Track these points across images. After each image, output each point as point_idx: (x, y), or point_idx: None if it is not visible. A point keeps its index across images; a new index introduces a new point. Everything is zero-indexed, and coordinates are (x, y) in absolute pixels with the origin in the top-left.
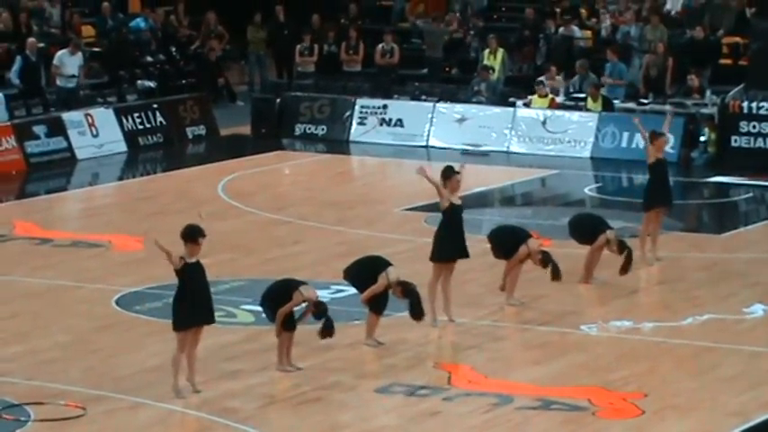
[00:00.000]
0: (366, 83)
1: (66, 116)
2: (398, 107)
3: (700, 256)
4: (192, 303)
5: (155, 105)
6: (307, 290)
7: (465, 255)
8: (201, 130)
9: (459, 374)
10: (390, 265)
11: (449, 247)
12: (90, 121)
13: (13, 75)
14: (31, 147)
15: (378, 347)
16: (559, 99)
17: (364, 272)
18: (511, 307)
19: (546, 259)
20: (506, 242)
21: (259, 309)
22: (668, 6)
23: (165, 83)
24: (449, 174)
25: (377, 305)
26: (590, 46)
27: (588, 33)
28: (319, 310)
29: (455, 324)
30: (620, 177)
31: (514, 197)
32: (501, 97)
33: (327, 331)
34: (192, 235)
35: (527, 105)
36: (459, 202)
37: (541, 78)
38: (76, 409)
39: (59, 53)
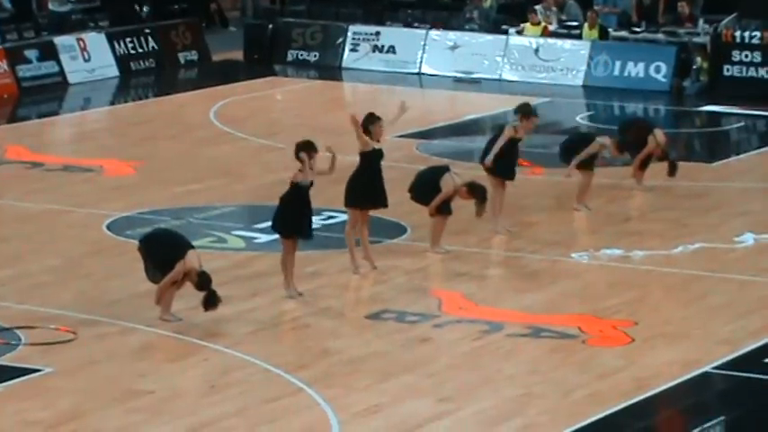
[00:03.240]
0: (359, 9)
1: (58, 40)
2: (391, 34)
3: (691, 185)
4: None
5: (147, 30)
6: (192, 258)
7: (381, 204)
8: (194, 55)
9: (450, 301)
10: (448, 170)
11: (365, 194)
12: (82, 45)
13: None
14: (23, 71)
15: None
16: (552, 27)
17: (428, 184)
18: (504, 234)
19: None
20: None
21: (250, 234)
22: None
23: (157, 8)
24: (373, 120)
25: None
26: None
27: None
28: (202, 281)
29: (445, 252)
30: (611, 106)
31: (506, 125)
32: (494, 25)
33: (211, 305)
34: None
35: (520, 33)
36: (379, 147)
37: (536, 6)
38: (67, 334)
39: None
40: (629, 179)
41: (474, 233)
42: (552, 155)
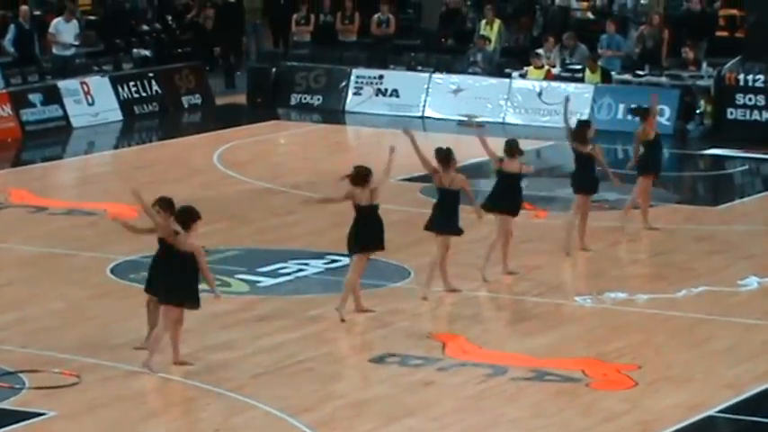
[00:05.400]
0: (362, 53)
1: (62, 84)
2: (394, 77)
3: (695, 228)
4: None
5: (150, 74)
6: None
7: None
8: (197, 99)
9: (454, 345)
10: None
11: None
12: (86, 89)
13: (7, 43)
14: (27, 114)
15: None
16: (555, 70)
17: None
18: (507, 277)
19: None
20: None
21: (253, 278)
22: None
23: (160, 51)
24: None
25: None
26: (586, 17)
27: (585, 5)
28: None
29: (449, 294)
30: (615, 149)
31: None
32: (497, 68)
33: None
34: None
35: (523, 76)
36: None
37: (538, 50)
38: (71, 377)
39: (55, 21)
40: (633, 221)
41: (477, 277)
42: (555, 198)
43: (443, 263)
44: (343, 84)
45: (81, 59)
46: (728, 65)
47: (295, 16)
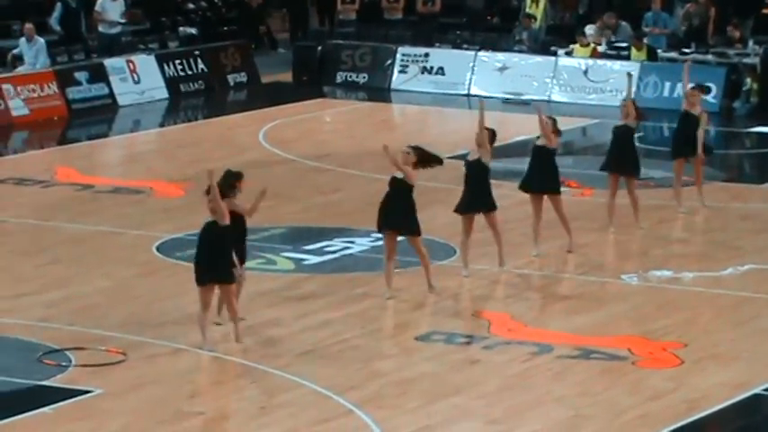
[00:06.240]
0: (407, 31)
1: (108, 62)
2: (440, 55)
3: (741, 207)
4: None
5: (196, 52)
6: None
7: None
8: (243, 77)
9: (499, 323)
10: None
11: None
12: (132, 67)
13: (53, 21)
14: (73, 93)
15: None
16: (601, 48)
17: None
18: (554, 256)
19: None
20: None
21: (299, 256)
22: None
23: (206, 30)
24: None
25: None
26: None
27: None
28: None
29: (495, 273)
30: (661, 127)
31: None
32: (543, 46)
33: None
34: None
35: (569, 54)
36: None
37: (588, 27)
38: (117, 355)
39: None
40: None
41: (523, 255)
42: (601, 176)
43: (498, 239)
44: (389, 62)
45: (127, 37)
46: None
47: None
